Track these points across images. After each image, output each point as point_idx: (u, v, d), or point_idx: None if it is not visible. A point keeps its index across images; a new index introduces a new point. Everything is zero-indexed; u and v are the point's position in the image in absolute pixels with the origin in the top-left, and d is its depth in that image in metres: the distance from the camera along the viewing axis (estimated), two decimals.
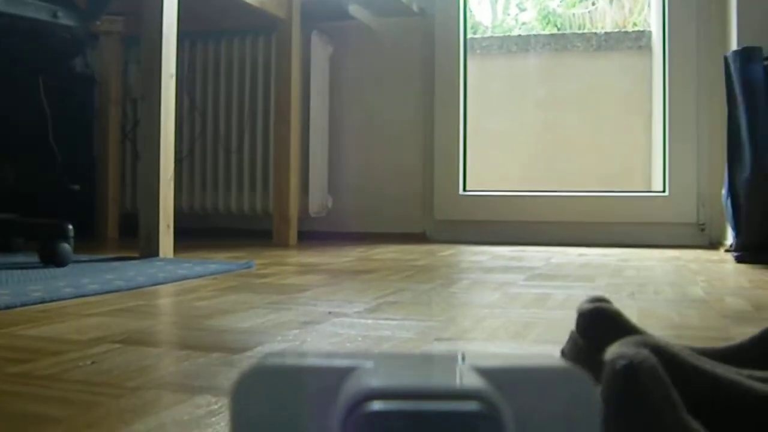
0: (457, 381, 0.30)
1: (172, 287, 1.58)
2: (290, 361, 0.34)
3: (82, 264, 1.95)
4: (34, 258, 1.97)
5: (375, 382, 0.30)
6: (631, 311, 1.30)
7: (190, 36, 3.29)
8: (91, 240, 2.99)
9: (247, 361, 0.90)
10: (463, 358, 0.33)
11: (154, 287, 1.58)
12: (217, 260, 2.13)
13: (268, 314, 1.24)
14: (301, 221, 3.11)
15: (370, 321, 1.19)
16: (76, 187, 3.10)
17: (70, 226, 1.90)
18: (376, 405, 0.28)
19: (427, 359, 0.35)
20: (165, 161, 2.14)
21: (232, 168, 3.26)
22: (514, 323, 1.18)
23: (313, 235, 3.31)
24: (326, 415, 0.32)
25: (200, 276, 1.77)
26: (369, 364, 0.33)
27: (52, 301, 1.34)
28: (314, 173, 3.21)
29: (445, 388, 0.29)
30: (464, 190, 3.38)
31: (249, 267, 1.98)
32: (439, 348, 0.99)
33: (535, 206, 3.26)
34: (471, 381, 0.30)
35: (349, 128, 3.45)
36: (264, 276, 1.80)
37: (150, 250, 2.13)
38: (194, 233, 3.32)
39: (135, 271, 1.79)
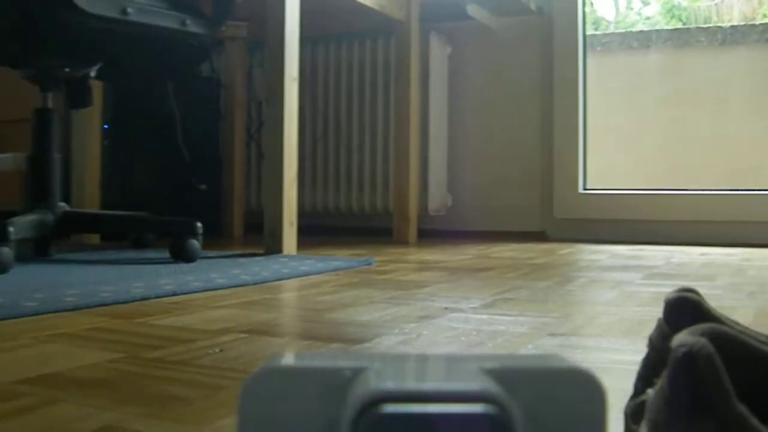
0: (468, 383, 0.30)
1: (295, 282, 1.65)
2: (298, 362, 0.34)
3: (210, 260, 2.04)
4: (165, 254, 2.07)
5: (385, 384, 0.29)
6: (748, 311, 1.29)
7: (312, 39, 3.38)
8: (217, 237, 3.10)
9: (365, 351, 0.94)
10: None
11: (278, 282, 1.64)
12: (339, 257, 2.20)
13: (386, 308, 1.28)
14: (421, 219, 3.15)
15: (485, 316, 1.21)
16: (204, 186, 3.22)
17: (199, 224, 1.99)
18: (388, 407, 0.28)
19: (436, 360, 0.35)
20: (288, 161, 2.21)
21: (353, 167, 3.33)
22: (628, 320, 1.19)
23: (433, 233, 3.36)
24: (335, 416, 0.32)
25: (322, 272, 1.83)
26: (377, 365, 0.33)
27: (182, 294, 1.42)
28: (433, 172, 3.25)
29: (457, 391, 0.29)
30: (584, 188, 3.36)
31: (369, 264, 2.03)
32: (551, 343, 1.02)
33: (657, 204, 3.22)
34: (482, 383, 0.30)
35: (469, 127, 3.48)
36: (384, 273, 1.85)
37: (274, 247, 2.20)
38: (316, 231, 3.41)
39: (260, 266, 1.86)
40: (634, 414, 0.37)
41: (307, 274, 1.78)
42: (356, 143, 3.33)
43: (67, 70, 2.02)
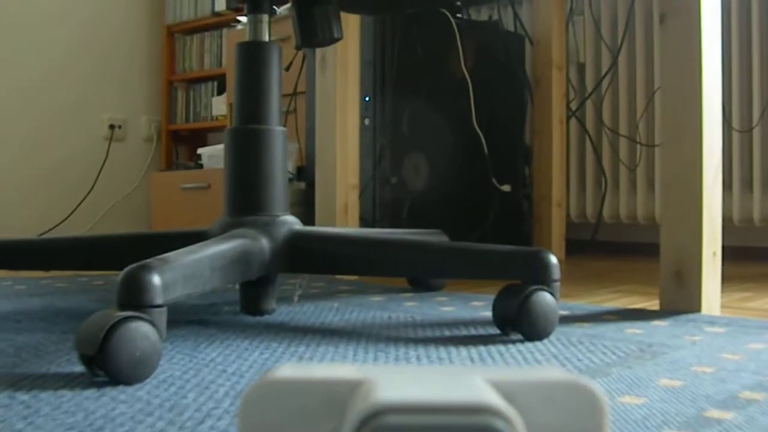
0: (470, 395, 0.30)
1: None
2: (298, 373, 0.34)
3: (570, 329, 1.01)
4: (468, 306, 1.07)
5: (387, 395, 0.29)
6: None
7: None
8: None
9: None
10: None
11: None
12: None
13: None
14: None
15: None
16: (507, 187, 2.22)
17: (554, 260, 0.97)
18: (389, 418, 0.28)
19: (438, 373, 0.34)
20: (709, 142, 1.15)
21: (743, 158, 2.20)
22: None
23: None
24: (335, 428, 0.32)
25: None
26: (378, 376, 0.33)
27: None
28: None
29: (459, 403, 0.28)
30: None
31: None
32: None
33: None
34: (484, 394, 0.30)
35: None
36: None
37: (682, 300, 1.14)
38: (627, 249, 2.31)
39: (694, 356, 0.81)
40: None
41: None
42: (739, 119, 2.19)
43: None
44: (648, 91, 2.35)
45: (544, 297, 0.93)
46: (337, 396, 0.32)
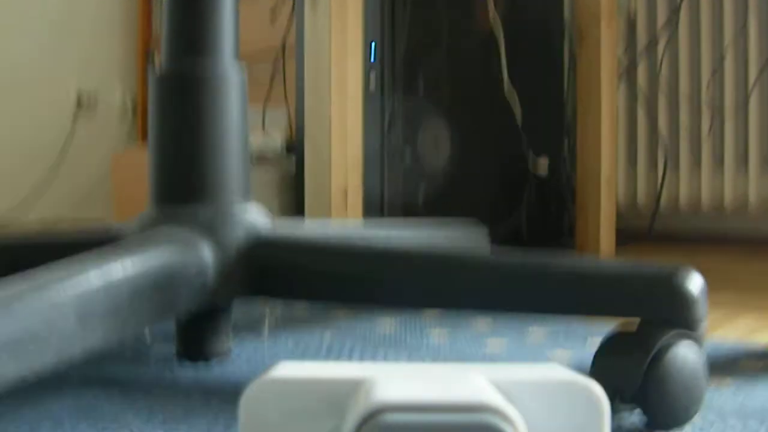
0: (470, 393, 0.29)
1: None
2: (299, 372, 0.33)
3: (710, 394, 0.61)
4: (543, 345, 0.66)
5: (388, 394, 0.29)
6: None
7: None
8: (561, 249, 1.72)
9: None
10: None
11: None
12: None
13: None
14: None
15: None
16: (544, 163, 1.85)
17: (697, 286, 0.56)
18: (389, 417, 0.27)
19: (439, 371, 0.34)
20: None
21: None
22: None
23: None
24: (336, 427, 0.32)
25: None
26: (378, 375, 0.32)
27: None
28: None
29: (459, 401, 0.28)
30: None
31: None
32: None
33: None
34: (484, 393, 0.30)
35: None
36: None
37: None
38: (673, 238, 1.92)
39: None
40: None
41: None
42: None
43: None
44: (716, 49, 1.96)
45: (685, 354, 0.53)
46: (337, 395, 0.32)
